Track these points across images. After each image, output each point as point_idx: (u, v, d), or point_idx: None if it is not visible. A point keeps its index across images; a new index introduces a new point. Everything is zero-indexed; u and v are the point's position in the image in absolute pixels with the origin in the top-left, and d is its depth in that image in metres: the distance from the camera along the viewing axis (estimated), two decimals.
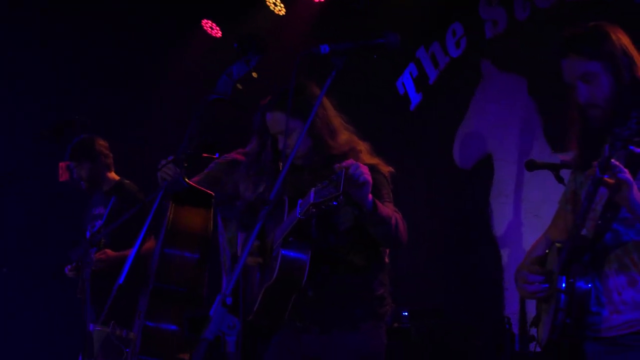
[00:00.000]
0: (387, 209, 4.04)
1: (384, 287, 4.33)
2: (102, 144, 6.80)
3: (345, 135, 4.35)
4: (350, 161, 3.75)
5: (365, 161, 4.25)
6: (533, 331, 3.97)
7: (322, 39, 7.78)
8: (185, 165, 4.97)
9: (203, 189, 4.97)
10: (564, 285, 3.30)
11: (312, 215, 3.84)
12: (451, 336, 6.40)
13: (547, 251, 3.58)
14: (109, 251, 6.31)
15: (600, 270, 3.37)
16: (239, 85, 5.07)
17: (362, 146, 4.37)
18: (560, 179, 5.56)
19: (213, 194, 4.99)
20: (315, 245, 4.10)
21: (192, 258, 4.85)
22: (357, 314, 4.22)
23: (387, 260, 4.38)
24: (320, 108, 4.20)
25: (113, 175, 6.81)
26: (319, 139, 4.23)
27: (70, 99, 8.73)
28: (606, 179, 3.13)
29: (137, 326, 4.94)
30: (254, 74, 5.05)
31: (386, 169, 4.30)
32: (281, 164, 4.38)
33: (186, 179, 4.93)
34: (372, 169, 4.20)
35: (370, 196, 3.88)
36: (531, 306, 6.20)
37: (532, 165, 5.83)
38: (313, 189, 3.73)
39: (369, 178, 3.80)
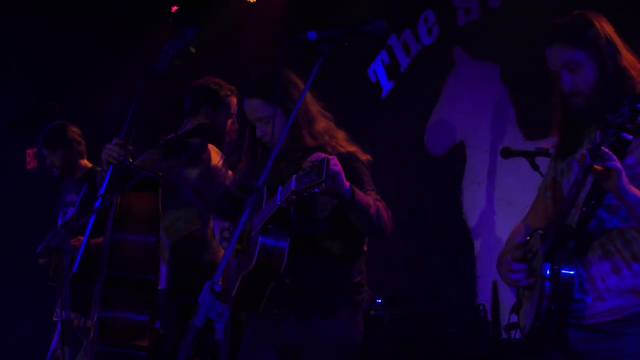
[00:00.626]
0: (368, 197, 4.02)
1: (361, 274, 4.33)
2: (74, 130, 6.78)
3: (323, 123, 4.34)
4: (317, 154, 3.73)
5: (344, 148, 4.25)
6: (513, 318, 3.96)
7: (292, 27, 7.80)
8: (130, 148, 4.94)
9: (148, 171, 4.91)
10: (548, 272, 3.31)
11: (292, 202, 3.84)
12: (425, 323, 6.41)
13: (528, 238, 3.58)
14: (81, 238, 6.26)
15: (584, 257, 3.38)
16: (176, 61, 5.03)
17: (340, 134, 4.37)
18: (535, 167, 5.58)
19: (160, 175, 4.95)
20: (294, 233, 4.09)
21: (145, 242, 4.81)
22: (334, 302, 4.21)
23: (365, 248, 4.39)
24: (298, 95, 4.15)
25: (85, 162, 6.77)
26: (297, 127, 4.21)
27: (39, 88, 8.67)
28: (595, 166, 3.14)
29: (94, 315, 4.90)
30: (192, 49, 5.04)
31: (364, 157, 4.30)
32: (260, 150, 4.37)
33: (131, 161, 4.89)
34: (351, 157, 4.21)
35: (347, 184, 3.87)
36: (504, 294, 6.24)
37: (507, 153, 5.84)
38: (294, 176, 3.72)
39: (337, 168, 3.79)
